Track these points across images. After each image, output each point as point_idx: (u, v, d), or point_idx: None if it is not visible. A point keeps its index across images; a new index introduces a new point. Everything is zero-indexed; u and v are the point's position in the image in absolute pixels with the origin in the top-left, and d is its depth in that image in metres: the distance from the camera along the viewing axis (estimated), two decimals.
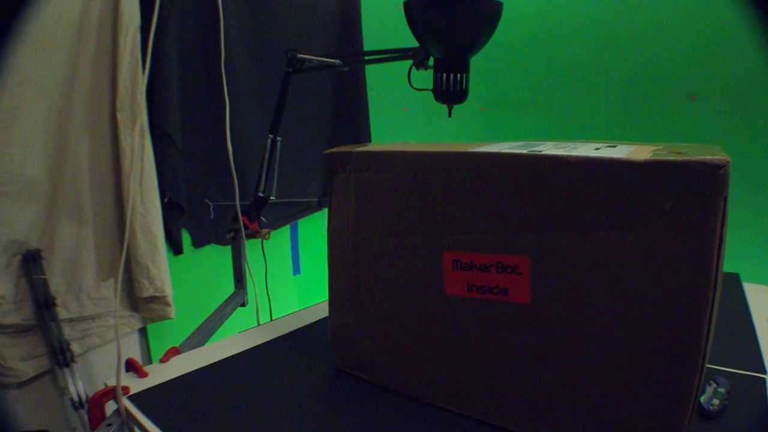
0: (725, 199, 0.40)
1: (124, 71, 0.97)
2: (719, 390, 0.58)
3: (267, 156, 0.99)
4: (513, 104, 1.63)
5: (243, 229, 1.05)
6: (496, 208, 0.50)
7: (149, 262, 1.05)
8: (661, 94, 1.37)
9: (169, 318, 1.12)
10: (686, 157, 0.40)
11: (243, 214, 1.05)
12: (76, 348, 0.97)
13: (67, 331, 0.95)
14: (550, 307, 0.49)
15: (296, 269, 1.80)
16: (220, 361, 0.73)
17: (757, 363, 0.68)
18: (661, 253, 0.42)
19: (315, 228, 1.83)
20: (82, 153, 0.96)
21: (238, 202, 1.05)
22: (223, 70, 1.16)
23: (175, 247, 1.23)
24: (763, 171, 1.25)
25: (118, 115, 0.98)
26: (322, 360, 0.72)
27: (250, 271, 1.13)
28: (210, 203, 1.33)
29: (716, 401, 0.56)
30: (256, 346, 0.78)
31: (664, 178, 0.41)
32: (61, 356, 0.93)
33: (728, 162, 0.39)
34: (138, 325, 1.12)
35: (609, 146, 0.49)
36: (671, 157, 0.41)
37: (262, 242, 1.11)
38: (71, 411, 0.97)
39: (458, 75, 0.78)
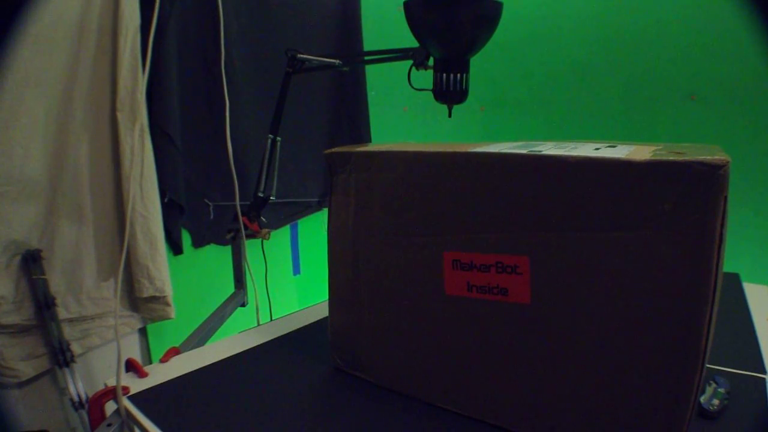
0: (725, 199, 0.40)
1: (124, 71, 0.97)
2: (719, 390, 0.58)
3: (267, 156, 0.99)
4: (513, 104, 1.63)
5: (243, 229, 1.05)
6: (496, 208, 0.50)
7: (149, 262, 1.05)
8: (661, 94, 1.37)
9: (169, 318, 1.12)
10: (686, 157, 0.40)
11: (243, 214, 1.05)
12: (76, 348, 0.97)
13: (67, 331, 0.95)
14: (550, 307, 0.49)
15: (296, 269, 1.80)
16: (220, 361, 0.73)
17: (757, 363, 0.68)
18: (661, 253, 0.42)
19: (315, 228, 1.83)
20: (82, 153, 0.96)
21: (238, 202, 1.05)
22: (223, 70, 1.16)
23: (175, 247, 1.23)
24: (763, 171, 1.25)
25: (118, 115, 0.98)
26: (322, 360, 0.72)
27: (250, 271, 1.13)
28: (210, 203, 1.33)
29: (716, 401, 0.56)
30: (256, 346, 0.78)
31: (664, 178, 0.41)
32: (61, 356, 0.93)
33: (728, 162, 0.39)
34: (138, 325, 1.12)
35: (609, 146, 0.49)
36: (671, 157, 0.41)
37: (262, 242, 1.11)
38: (71, 411, 0.97)
39: (458, 75, 0.78)
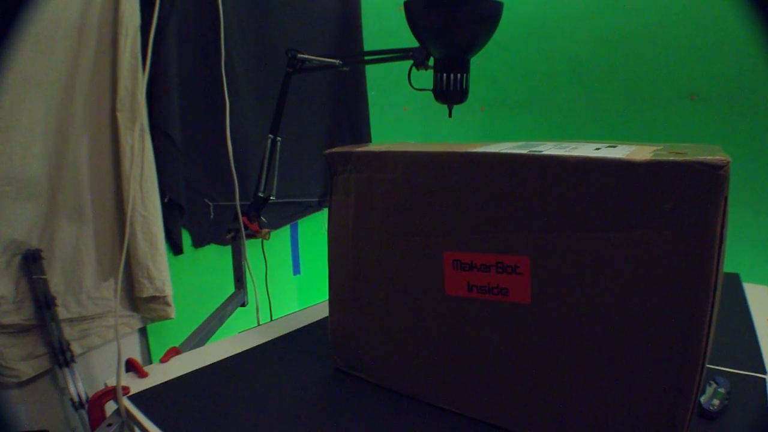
0: (725, 199, 0.40)
1: (124, 71, 0.97)
2: (719, 390, 0.58)
3: (267, 156, 0.99)
4: (513, 104, 1.64)
5: (243, 229, 1.05)
6: (496, 208, 0.50)
7: (149, 262, 1.05)
8: (661, 94, 1.37)
9: (169, 318, 1.12)
10: (686, 158, 0.40)
11: (243, 214, 1.05)
12: (76, 348, 0.97)
13: (67, 331, 0.95)
14: (550, 307, 0.49)
15: (296, 269, 1.80)
16: (220, 361, 0.73)
17: (757, 363, 0.68)
18: (661, 253, 0.42)
19: (315, 228, 1.83)
20: (82, 153, 0.96)
21: (238, 202, 1.05)
22: (223, 70, 1.16)
23: (175, 247, 1.23)
24: (763, 171, 1.25)
25: (118, 115, 0.98)
26: (322, 360, 0.72)
27: (250, 271, 1.13)
28: (210, 203, 1.33)
29: (716, 401, 0.56)
30: (256, 346, 0.78)
31: (664, 178, 0.41)
32: (61, 356, 0.93)
33: (728, 162, 0.39)
34: (138, 325, 1.12)
35: (609, 146, 0.49)
36: (671, 158, 0.41)
37: (262, 242, 1.11)
38: (71, 411, 0.97)
39: (458, 75, 0.78)
